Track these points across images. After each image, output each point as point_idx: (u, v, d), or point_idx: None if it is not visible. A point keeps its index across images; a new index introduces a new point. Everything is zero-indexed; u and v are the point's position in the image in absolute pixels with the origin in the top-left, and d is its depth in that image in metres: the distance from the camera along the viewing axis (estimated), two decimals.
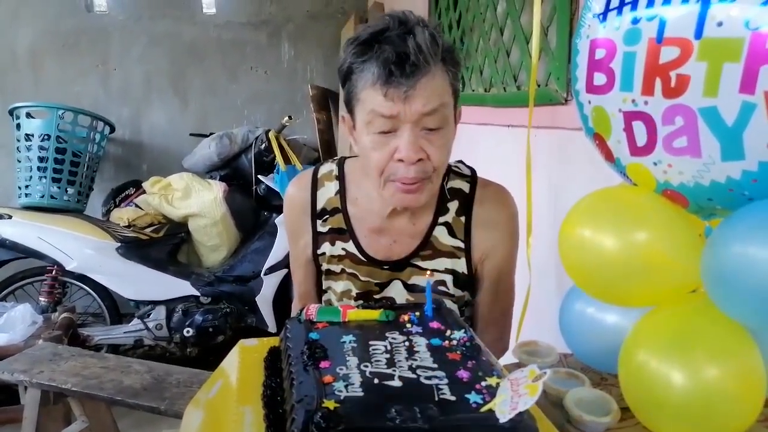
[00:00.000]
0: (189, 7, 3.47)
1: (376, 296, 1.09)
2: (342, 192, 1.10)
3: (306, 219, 1.11)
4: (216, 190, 2.94)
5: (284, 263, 2.82)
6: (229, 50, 3.54)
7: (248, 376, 0.76)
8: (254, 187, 3.05)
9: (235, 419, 0.66)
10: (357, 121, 0.95)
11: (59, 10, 3.31)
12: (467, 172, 1.11)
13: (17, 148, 2.83)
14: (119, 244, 2.67)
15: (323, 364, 0.65)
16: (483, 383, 0.62)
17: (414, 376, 0.63)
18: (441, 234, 1.07)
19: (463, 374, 0.64)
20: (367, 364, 0.65)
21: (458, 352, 0.70)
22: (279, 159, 2.89)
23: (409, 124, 0.89)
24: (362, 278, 1.09)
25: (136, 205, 3.06)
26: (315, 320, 0.79)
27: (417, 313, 0.81)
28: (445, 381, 0.62)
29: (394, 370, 0.64)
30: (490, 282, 1.10)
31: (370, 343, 0.71)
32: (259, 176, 3.00)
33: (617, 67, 0.75)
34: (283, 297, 2.88)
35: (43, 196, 2.80)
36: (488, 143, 2.01)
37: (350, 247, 1.08)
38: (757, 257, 0.62)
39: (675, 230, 0.77)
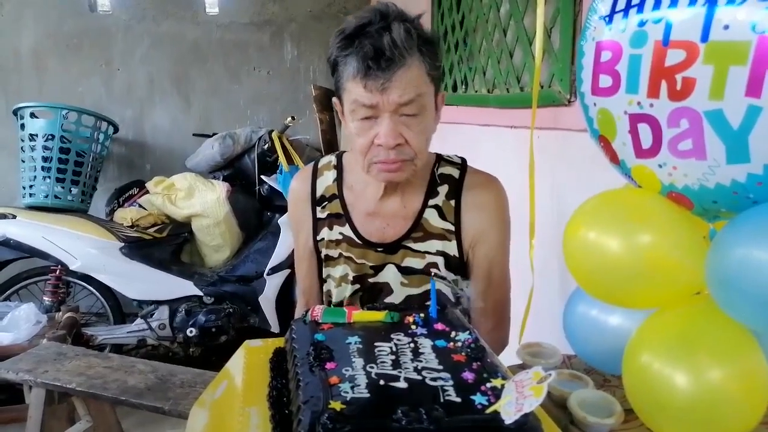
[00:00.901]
0: (192, 7, 3.47)
1: (371, 280, 1.12)
2: (339, 179, 1.16)
3: (307, 207, 1.17)
4: (219, 190, 2.94)
5: (287, 263, 2.82)
6: (232, 50, 3.55)
7: (254, 377, 0.76)
8: (257, 188, 3.05)
9: (240, 420, 0.67)
10: (344, 107, 1.02)
11: (63, 11, 3.31)
12: (458, 160, 1.16)
13: (21, 148, 2.84)
14: (123, 244, 2.67)
15: (329, 366, 0.65)
16: (488, 385, 0.62)
17: (419, 377, 0.63)
18: (431, 216, 1.10)
19: (468, 376, 0.64)
20: (373, 365, 0.66)
21: (463, 353, 0.70)
22: (282, 159, 2.90)
23: (388, 113, 0.96)
24: (357, 261, 1.12)
25: (140, 205, 3.06)
26: (320, 321, 0.80)
27: (421, 315, 0.81)
28: (451, 382, 0.62)
29: (400, 372, 0.64)
30: (482, 270, 1.12)
31: (376, 344, 0.72)
32: (262, 176, 3.01)
33: (623, 70, 0.75)
34: (285, 297, 2.88)
35: (47, 196, 2.81)
36: (491, 144, 2.01)
37: (347, 230, 1.13)
38: (761, 260, 0.62)
39: (679, 232, 0.77)
